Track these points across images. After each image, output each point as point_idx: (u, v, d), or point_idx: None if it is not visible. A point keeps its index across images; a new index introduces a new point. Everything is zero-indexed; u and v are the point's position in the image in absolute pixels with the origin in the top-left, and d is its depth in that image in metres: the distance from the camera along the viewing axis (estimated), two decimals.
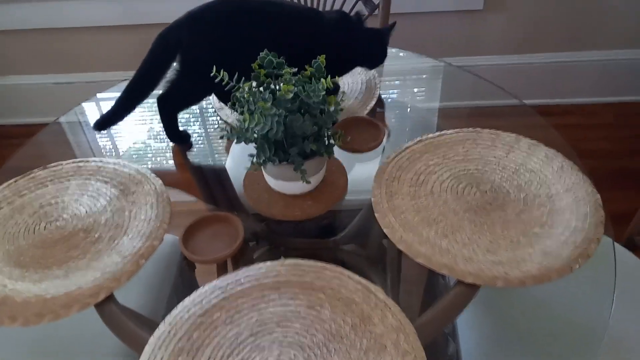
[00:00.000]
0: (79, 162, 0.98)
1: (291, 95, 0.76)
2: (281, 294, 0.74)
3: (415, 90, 1.31)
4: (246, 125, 0.76)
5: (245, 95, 0.78)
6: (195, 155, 1.09)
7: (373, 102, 1.10)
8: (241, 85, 0.79)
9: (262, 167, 0.86)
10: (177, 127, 1.03)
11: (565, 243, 0.77)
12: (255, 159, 0.81)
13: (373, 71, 1.19)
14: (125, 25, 2.09)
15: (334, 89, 1.14)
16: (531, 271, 0.73)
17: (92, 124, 0.99)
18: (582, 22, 2.11)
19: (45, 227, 0.86)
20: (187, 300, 0.74)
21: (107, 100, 1.27)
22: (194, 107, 1.13)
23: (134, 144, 1.15)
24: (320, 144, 0.81)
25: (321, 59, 0.84)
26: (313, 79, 0.79)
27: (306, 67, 0.82)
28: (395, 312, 0.70)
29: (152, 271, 1.03)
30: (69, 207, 0.90)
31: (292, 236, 1.10)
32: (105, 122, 0.98)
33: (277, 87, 0.81)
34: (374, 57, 1.06)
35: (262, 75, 0.82)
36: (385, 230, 0.81)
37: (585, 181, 0.86)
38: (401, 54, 1.40)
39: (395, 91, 1.29)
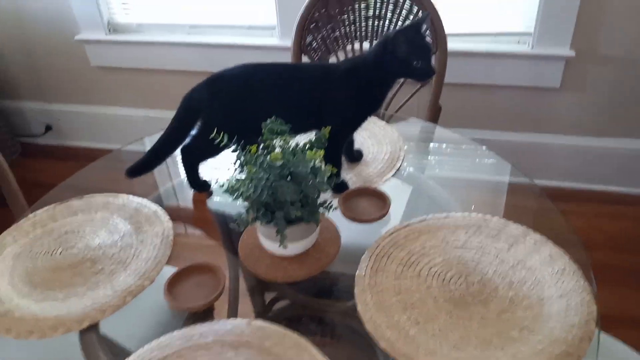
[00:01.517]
0: (109, 196, 1.09)
1: (280, 162, 0.80)
2: (238, 354, 0.76)
3: (447, 163, 1.30)
4: (235, 186, 0.81)
5: (242, 159, 0.83)
6: (217, 202, 1.16)
7: (391, 174, 1.11)
8: (239, 149, 0.84)
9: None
10: (198, 175, 1.11)
11: (541, 352, 0.72)
12: (244, 216, 0.85)
13: (401, 142, 1.20)
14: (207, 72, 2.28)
15: (358, 156, 1.17)
16: None
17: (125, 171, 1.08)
18: None
19: (61, 252, 0.96)
20: (155, 343, 0.79)
21: None
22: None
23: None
24: (306, 211, 0.84)
25: (324, 131, 0.87)
26: (301, 151, 0.82)
27: (310, 140, 0.86)
28: None
29: None
30: (86, 237, 0.99)
31: (311, 294, 1.11)
32: (137, 170, 1.09)
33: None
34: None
35: (266, 140, 0.87)
36: (358, 307, 0.81)
37: (585, 289, 0.80)
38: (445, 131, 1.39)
39: (431, 162, 1.29)
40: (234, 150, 0.84)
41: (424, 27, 0.98)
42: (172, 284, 0.87)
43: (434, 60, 1.51)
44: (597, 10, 1.81)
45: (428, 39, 1.00)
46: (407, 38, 0.95)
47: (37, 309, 0.85)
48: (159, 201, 1.18)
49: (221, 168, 1.10)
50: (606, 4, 1.79)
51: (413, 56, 0.95)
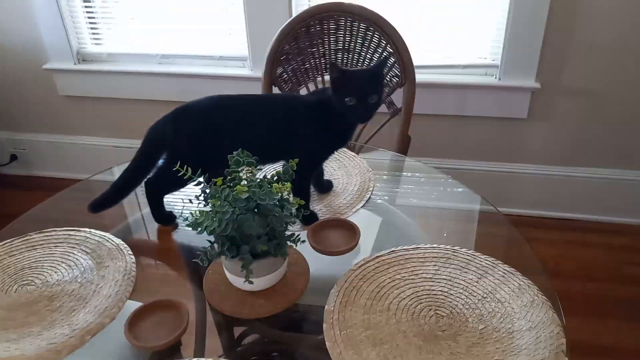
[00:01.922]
0: (70, 230, 1.05)
1: (246, 195, 0.79)
2: None
3: (419, 192, 1.30)
4: (199, 220, 0.79)
5: (206, 191, 0.82)
6: (183, 234, 1.13)
7: (360, 205, 1.10)
8: (203, 181, 0.82)
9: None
10: (163, 208, 1.08)
11: None
12: (208, 250, 0.83)
13: (370, 174, 1.20)
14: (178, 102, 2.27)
15: (328, 187, 1.16)
16: None
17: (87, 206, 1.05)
18: (630, 141, 2.02)
19: (16, 290, 0.92)
20: None
21: None
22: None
23: None
24: (273, 244, 0.82)
25: (292, 163, 0.86)
26: (268, 183, 0.81)
27: (275, 172, 0.85)
28: None
29: None
30: (44, 273, 0.95)
31: (281, 328, 1.08)
32: (100, 204, 1.05)
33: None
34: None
35: (232, 172, 0.85)
36: (327, 344, 0.79)
37: (553, 321, 0.80)
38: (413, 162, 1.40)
39: (398, 193, 1.28)
40: (198, 184, 0.83)
41: (380, 70, 0.98)
42: (134, 321, 0.84)
43: (402, 92, 1.53)
44: (560, 44, 1.87)
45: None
46: (339, 72, 0.95)
47: None
48: (127, 231, 1.15)
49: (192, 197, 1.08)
50: (569, 38, 1.85)
51: (346, 93, 0.93)
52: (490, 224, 1.20)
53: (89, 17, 2.22)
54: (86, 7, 2.20)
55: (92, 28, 2.24)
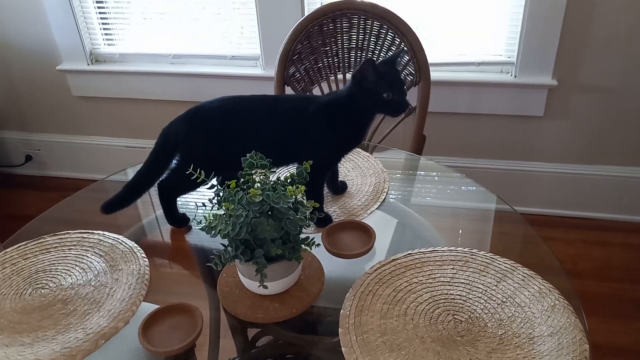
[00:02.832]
0: (84, 233, 1.05)
1: (259, 198, 0.77)
2: None
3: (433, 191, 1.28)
4: (213, 223, 0.78)
5: (220, 195, 0.81)
6: (197, 236, 1.12)
7: (375, 207, 1.09)
8: (216, 184, 0.81)
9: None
10: (176, 210, 1.08)
11: None
12: (221, 254, 0.82)
13: (385, 175, 1.18)
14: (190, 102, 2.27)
15: (342, 188, 1.15)
16: None
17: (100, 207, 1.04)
18: None
19: (30, 293, 0.91)
20: None
21: None
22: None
23: None
24: (287, 248, 0.81)
25: (306, 165, 0.85)
26: (281, 186, 0.80)
27: (290, 173, 0.84)
28: None
29: None
30: (58, 276, 0.95)
31: (296, 330, 1.07)
32: (113, 206, 1.05)
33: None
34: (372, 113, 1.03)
35: (245, 175, 0.84)
36: (343, 349, 0.78)
37: (576, 327, 0.77)
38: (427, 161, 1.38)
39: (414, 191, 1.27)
40: (210, 187, 0.81)
41: (398, 61, 0.97)
42: (148, 325, 0.83)
43: (417, 91, 1.51)
44: (577, 40, 1.83)
45: (405, 76, 0.99)
46: (376, 69, 0.94)
47: (1, 354, 0.80)
48: (141, 233, 1.15)
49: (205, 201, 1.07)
50: (586, 35, 1.82)
51: (382, 87, 0.94)
52: (507, 223, 1.18)
53: (102, 18, 2.22)
54: (99, 7, 2.20)
55: (105, 29, 2.25)
